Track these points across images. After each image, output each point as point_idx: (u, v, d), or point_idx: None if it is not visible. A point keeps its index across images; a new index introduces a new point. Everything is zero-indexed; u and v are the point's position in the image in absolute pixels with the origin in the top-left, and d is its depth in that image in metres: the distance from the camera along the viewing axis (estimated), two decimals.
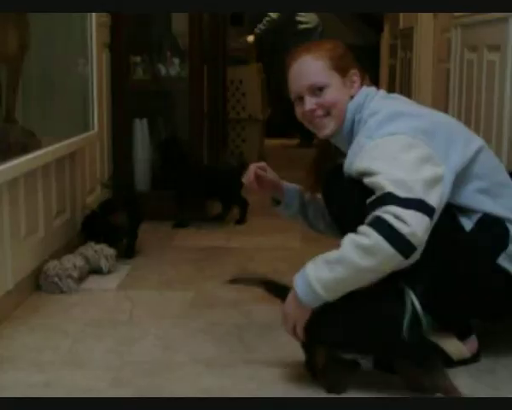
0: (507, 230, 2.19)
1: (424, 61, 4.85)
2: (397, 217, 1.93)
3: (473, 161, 2.17)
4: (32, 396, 2.12)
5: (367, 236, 1.95)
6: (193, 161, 4.22)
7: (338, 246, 2.02)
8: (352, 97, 2.28)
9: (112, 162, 4.23)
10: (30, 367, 2.32)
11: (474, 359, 2.30)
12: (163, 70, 4.42)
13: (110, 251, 3.28)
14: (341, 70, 2.29)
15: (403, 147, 2.07)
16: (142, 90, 4.37)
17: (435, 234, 2.01)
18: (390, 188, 1.97)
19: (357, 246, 1.96)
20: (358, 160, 2.12)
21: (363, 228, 1.97)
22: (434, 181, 2.02)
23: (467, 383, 2.17)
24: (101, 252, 3.24)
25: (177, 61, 4.43)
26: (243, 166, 3.63)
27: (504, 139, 2.83)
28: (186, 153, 4.21)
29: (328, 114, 2.28)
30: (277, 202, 2.55)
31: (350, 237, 1.99)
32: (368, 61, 6.89)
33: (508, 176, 2.30)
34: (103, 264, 3.22)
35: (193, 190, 4.15)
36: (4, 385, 2.19)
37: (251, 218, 4.24)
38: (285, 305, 2.11)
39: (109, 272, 3.24)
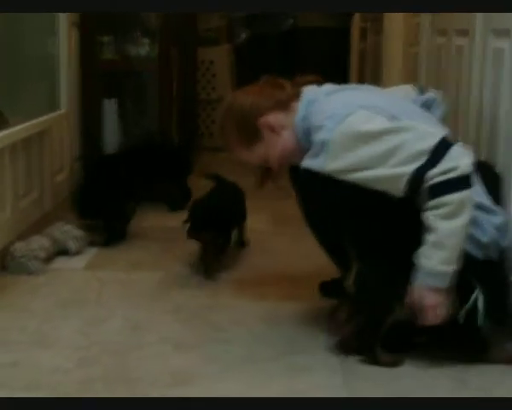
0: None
1: (394, 45, 4.86)
2: (442, 173, 2.02)
3: None
4: None
5: (442, 205, 2.03)
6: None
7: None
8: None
9: (80, 142, 4.20)
10: None
11: None
12: (132, 50, 4.40)
13: (78, 232, 3.27)
14: (253, 138, 2.34)
15: (368, 120, 2.11)
16: (111, 70, 4.35)
17: None
18: (410, 167, 2.04)
19: (445, 217, 2.03)
20: (331, 159, 2.12)
21: (435, 202, 2.03)
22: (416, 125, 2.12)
23: None
24: (68, 233, 3.23)
25: (146, 41, 4.41)
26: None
27: (471, 124, 2.85)
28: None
29: (286, 160, 2.37)
30: None
31: (435, 215, 2.04)
32: (339, 44, 6.95)
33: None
34: (70, 245, 3.21)
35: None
36: None
37: None
38: (422, 301, 2.11)
39: (77, 253, 3.23)
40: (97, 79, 4.22)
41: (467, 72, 2.94)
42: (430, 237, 2.07)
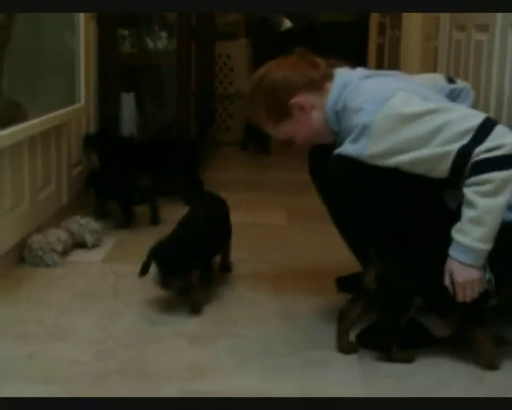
0: None
1: (412, 40, 4.83)
2: (487, 150, 2.01)
3: None
4: (16, 368, 2.13)
5: (484, 182, 2.01)
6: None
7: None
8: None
9: None
10: (14, 339, 2.32)
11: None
12: (150, 44, 4.41)
13: (95, 225, 3.27)
14: (282, 114, 2.32)
15: (409, 102, 2.11)
16: (129, 63, 4.36)
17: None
18: (455, 145, 2.03)
19: (486, 194, 2.02)
20: (373, 142, 2.10)
21: (478, 178, 2.02)
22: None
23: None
24: (86, 226, 3.24)
25: (164, 34, 4.42)
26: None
27: None
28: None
29: (312, 140, 2.38)
30: None
31: (476, 191, 2.03)
32: (357, 38, 6.93)
33: None
34: (88, 238, 3.21)
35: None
36: None
37: (234, 193, 4.24)
38: (456, 278, 2.11)
39: (94, 246, 3.24)
40: (115, 73, 4.23)
41: (486, 67, 2.92)
42: (468, 213, 2.04)
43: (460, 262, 2.09)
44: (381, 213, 2.20)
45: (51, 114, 3.20)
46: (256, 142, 5.81)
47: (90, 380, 2.07)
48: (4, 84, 2.79)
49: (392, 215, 2.19)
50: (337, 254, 2.86)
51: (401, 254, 2.18)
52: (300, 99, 2.29)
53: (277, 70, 2.33)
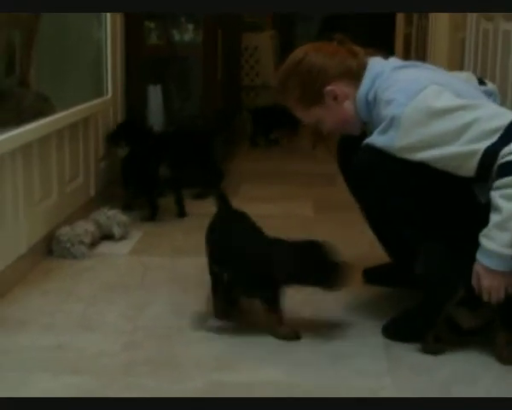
0: None
1: (440, 30, 4.81)
2: None
3: None
4: (44, 359, 2.15)
5: (509, 185, 1.98)
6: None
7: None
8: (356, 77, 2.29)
9: None
10: (43, 330, 2.35)
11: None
12: (177, 36, 4.42)
13: (123, 218, 3.29)
14: (314, 100, 2.31)
15: (441, 96, 2.09)
16: (156, 55, 4.37)
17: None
18: (483, 144, 2.01)
19: (511, 198, 1.99)
20: (402, 134, 2.09)
21: (503, 181, 1.99)
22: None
23: None
24: (113, 218, 3.26)
25: (191, 26, 4.43)
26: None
27: None
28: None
29: (340, 129, 2.36)
30: None
31: (502, 195, 2.00)
32: (384, 28, 6.90)
33: None
34: (116, 230, 3.23)
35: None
36: (17, 347, 2.22)
37: (260, 184, 4.25)
38: (482, 281, 2.09)
39: (121, 238, 3.26)
40: (142, 65, 4.24)
41: None
42: (494, 218, 2.02)
43: (486, 267, 2.07)
44: (408, 205, 2.19)
45: (78, 107, 3.22)
46: (265, 134, 5.75)
47: (119, 371, 2.09)
48: (32, 77, 2.82)
49: (421, 207, 2.18)
50: (364, 246, 2.85)
51: (441, 245, 2.17)
52: (335, 88, 2.28)
53: (316, 55, 2.31)
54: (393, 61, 2.31)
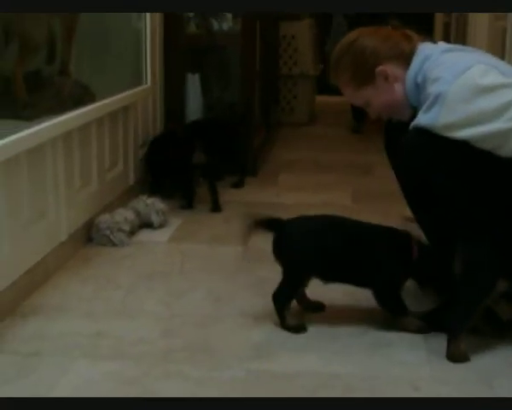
0: None
1: (480, 19, 4.75)
2: None
3: None
4: (84, 345, 2.17)
5: None
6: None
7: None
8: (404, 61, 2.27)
9: (163, 117, 4.25)
10: (82, 317, 2.37)
11: None
12: (216, 25, 4.42)
13: (161, 205, 3.31)
14: (365, 81, 2.30)
15: (486, 74, 2.08)
16: (194, 44, 4.38)
17: None
18: None
19: None
20: (447, 111, 2.08)
21: None
22: None
23: None
24: (152, 206, 3.28)
25: (229, 15, 4.43)
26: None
27: None
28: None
29: (388, 112, 2.34)
30: None
31: None
32: (422, 17, 6.84)
33: None
34: (154, 218, 3.25)
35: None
36: (57, 334, 2.24)
37: (298, 173, 4.24)
38: None
39: (160, 226, 3.27)
40: (181, 54, 4.25)
41: None
42: None
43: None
44: (453, 186, 2.17)
45: (118, 96, 3.24)
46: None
47: (158, 358, 2.10)
48: (72, 66, 2.84)
49: (466, 195, 2.16)
50: None
51: (485, 237, 2.15)
52: (387, 68, 2.28)
53: (370, 37, 2.32)
54: (442, 45, 2.31)
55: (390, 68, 2.28)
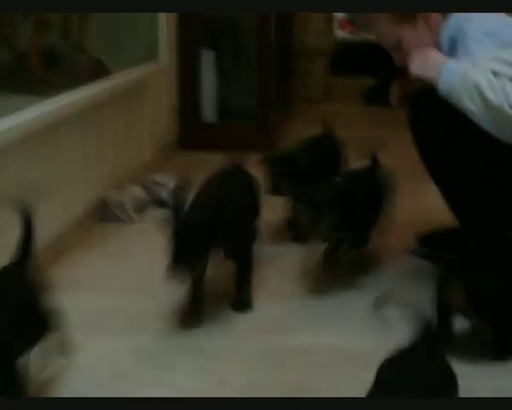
0: None
1: None
2: None
3: None
4: (103, 320, 2.19)
5: None
6: None
7: None
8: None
9: (177, 94, 4.23)
10: (102, 292, 2.38)
11: None
12: None
13: (173, 184, 3.29)
14: (408, 18, 2.27)
15: None
16: (209, 20, 4.34)
17: None
18: None
19: None
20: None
21: None
22: None
23: None
24: (163, 184, 3.27)
25: None
26: None
27: None
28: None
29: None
30: None
31: None
32: None
33: None
34: (165, 196, 3.24)
35: None
36: (76, 308, 2.23)
37: None
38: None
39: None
40: (196, 31, 4.22)
41: None
42: None
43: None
44: (475, 156, 2.17)
45: (133, 72, 3.23)
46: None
47: (176, 332, 2.12)
48: (88, 42, 2.83)
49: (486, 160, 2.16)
50: (423, 212, 2.84)
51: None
52: (433, 14, 2.28)
53: None
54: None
55: (435, 16, 2.27)
